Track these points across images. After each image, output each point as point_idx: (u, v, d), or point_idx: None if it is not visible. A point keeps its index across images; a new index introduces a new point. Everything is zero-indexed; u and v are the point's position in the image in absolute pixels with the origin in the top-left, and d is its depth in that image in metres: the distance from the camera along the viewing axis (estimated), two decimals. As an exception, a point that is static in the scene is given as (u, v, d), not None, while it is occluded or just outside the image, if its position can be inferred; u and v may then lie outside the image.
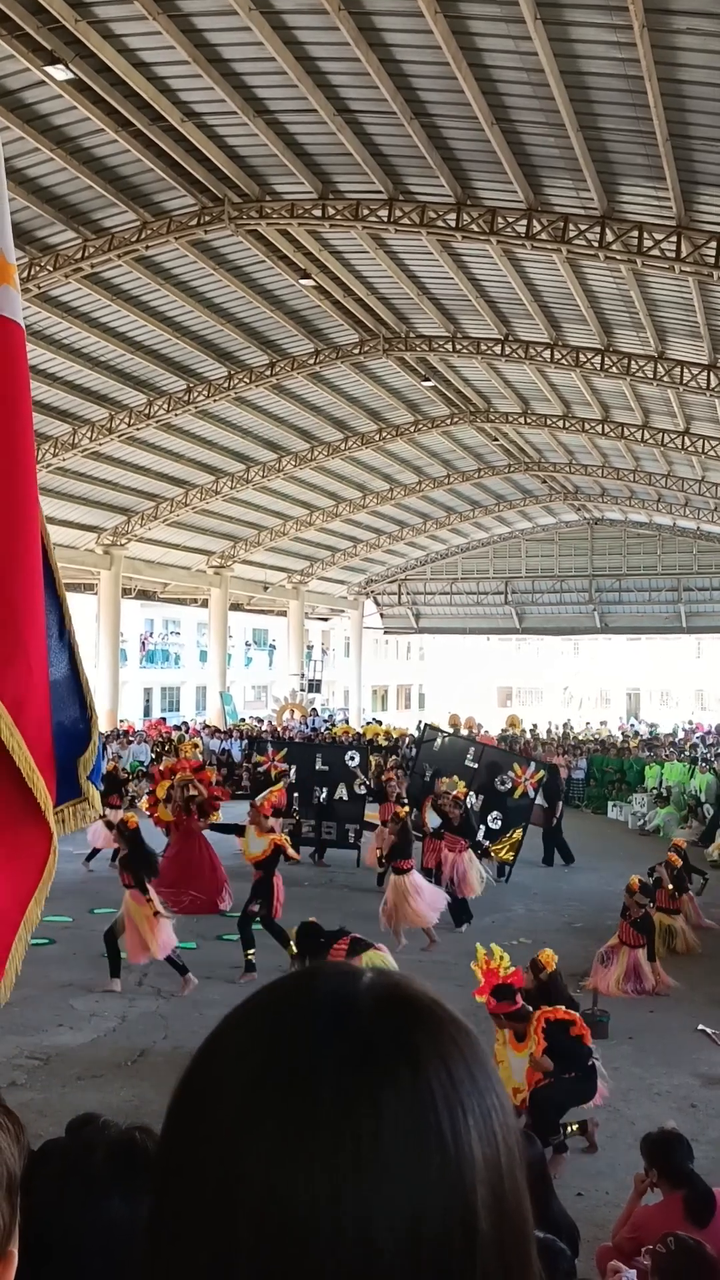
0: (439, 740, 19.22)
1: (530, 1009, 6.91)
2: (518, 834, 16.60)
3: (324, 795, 17.19)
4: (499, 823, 16.68)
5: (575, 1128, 6.85)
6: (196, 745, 21.87)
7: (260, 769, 18.09)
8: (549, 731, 35.31)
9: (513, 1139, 0.64)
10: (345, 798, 17.50)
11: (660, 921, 11.88)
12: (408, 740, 28.00)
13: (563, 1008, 6.96)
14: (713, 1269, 3.80)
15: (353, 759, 18.42)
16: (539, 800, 17.54)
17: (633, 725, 41.32)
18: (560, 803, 18.53)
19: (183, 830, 13.60)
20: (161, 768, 17.36)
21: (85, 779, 2.70)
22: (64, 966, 10.59)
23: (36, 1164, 1.53)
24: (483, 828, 16.15)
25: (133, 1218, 1.29)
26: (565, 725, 37.82)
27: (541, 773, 17.43)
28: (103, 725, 28.40)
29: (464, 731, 25.30)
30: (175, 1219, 0.62)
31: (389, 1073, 0.61)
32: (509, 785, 16.90)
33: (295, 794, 17.35)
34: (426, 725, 21.13)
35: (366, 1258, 0.57)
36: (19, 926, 2.51)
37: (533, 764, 17.89)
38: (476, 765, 17.47)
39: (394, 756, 24.46)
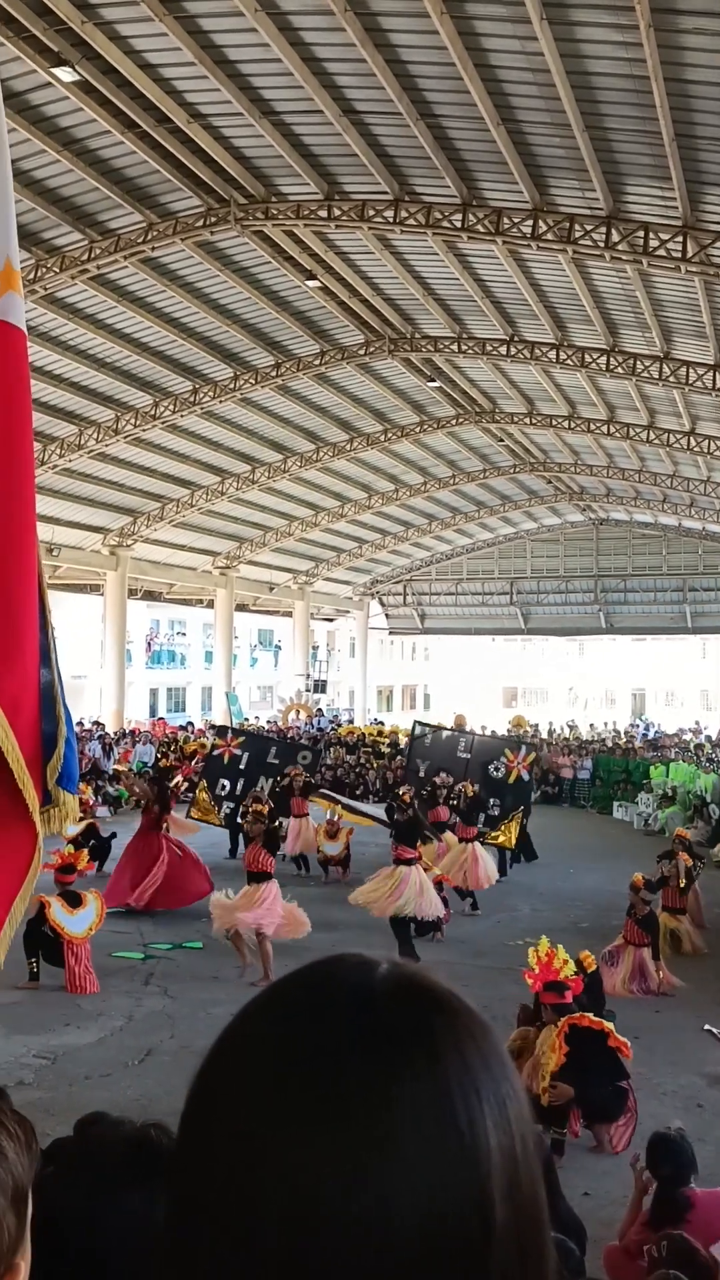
0: (429, 735, 19.37)
1: (575, 1008, 6.97)
2: (518, 818, 16.66)
3: (266, 787, 16.99)
4: (497, 809, 16.73)
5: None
6: (204, 746, 21.91)
7: (215, 752, 18.04)
8: (550, 732, 35.29)
9: (527, 1128, 0.65)
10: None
11: (665, 924, 11.88)
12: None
13: (592, 1016, 6.97)
14: (705, 1269, 3.81)
15: (305, 759, 18.41)
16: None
17: (637, 725, 41.31)
18: (529, 800, 18.59)
19: (143, 825, 13.85)
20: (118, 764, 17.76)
21: (54, 784, 2.70)
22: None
23: (47, 1162, 1.53)
24: (483, 815, 16.20)
25: (150, 1212, 1.29)
26: (589, 727, 37.33)
27: (533, 755, 17.58)
28: (109, 725, 28.62)
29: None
30: (195, 1212, 0.62)
31: (408, 1061, 0.61)
32: (502, 771, 16.97)
33: (241, 780, 17.32)
34: (417, 721, 21.31)
35: (387, 1247, 0.58)
36: (3, 924, 2.53)
37: (524, 748, 18.00)
38: (469, 755, 17.60)
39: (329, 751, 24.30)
